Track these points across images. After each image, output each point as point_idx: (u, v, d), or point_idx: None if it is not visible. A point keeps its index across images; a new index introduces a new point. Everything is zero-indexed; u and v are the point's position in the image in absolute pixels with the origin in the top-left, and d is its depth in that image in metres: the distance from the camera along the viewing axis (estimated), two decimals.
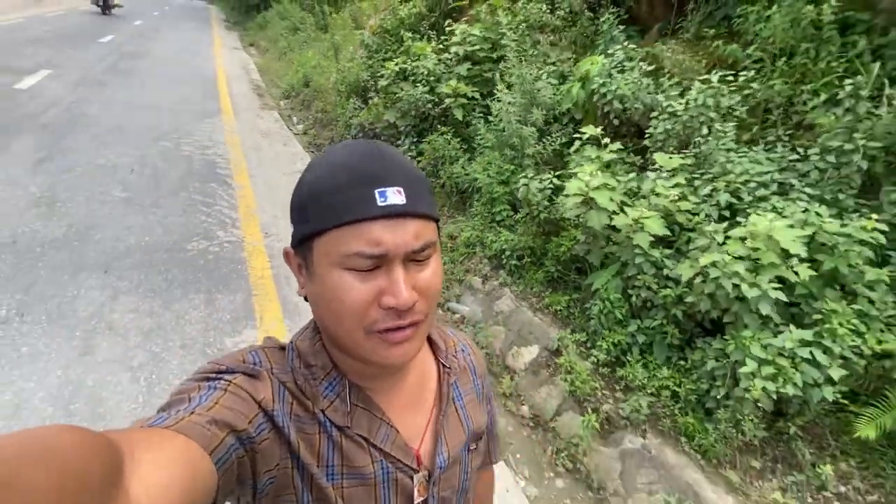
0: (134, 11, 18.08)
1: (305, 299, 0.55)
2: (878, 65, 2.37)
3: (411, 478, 0.56)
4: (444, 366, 0.64)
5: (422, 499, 0.58)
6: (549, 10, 4.31)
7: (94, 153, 4.53)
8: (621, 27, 3.74)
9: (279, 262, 3.26)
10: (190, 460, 0.38)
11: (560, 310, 2.77)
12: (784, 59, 2.79)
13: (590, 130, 2.90)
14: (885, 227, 2.02)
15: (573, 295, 2.86)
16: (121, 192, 3.89)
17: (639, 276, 2.38)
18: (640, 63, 3.28)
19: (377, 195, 0.46)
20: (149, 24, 15.22)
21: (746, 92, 2.73)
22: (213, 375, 0.49)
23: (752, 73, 2.75)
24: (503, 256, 3.20)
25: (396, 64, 4.76)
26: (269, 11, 15.67)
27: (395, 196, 0.47)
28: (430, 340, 0.66)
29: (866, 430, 1.97)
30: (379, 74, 5.23)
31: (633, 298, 2.43)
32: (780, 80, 2.70)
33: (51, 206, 3.49)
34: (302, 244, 0.51)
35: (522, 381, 2.59)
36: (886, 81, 2.31)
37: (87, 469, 0.27)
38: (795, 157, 2.45)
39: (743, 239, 2.14)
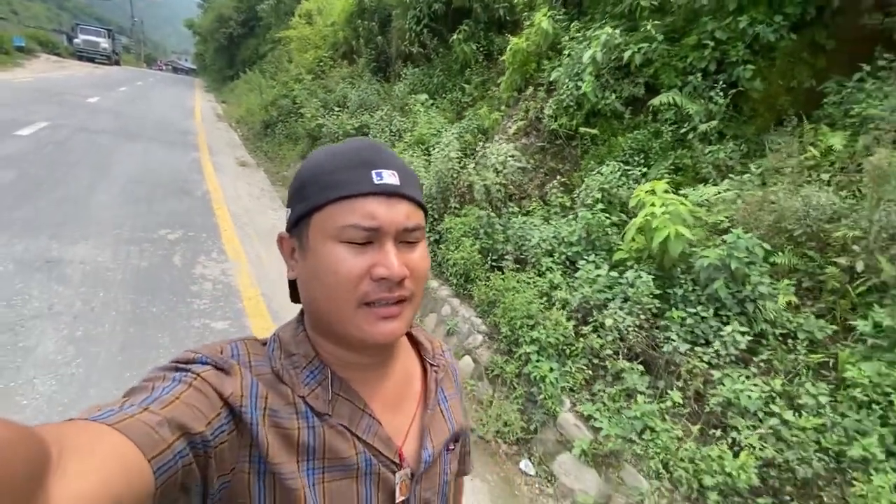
0: (132, 77, 25.52)
1: (292, 288, 0.62)
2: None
3: (393, 473, 0.59)
4: (431, 364, 0.70)
5: (403, 498, 0.60)
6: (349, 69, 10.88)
7: (137, 122, 10.76)
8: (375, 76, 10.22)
9: (212, 149, 9.37)
10: (124, 465, 0.38)
11: None
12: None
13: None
14: None
15: None
16: (150, 130, 10.07)
17: None
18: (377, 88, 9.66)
19: (374, 175, 0.54)
20: (147, 84, 22.43)
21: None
22: (183, 366, 0.51)
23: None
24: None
25: (276, 90, 11.29)
26: (239, 80, 23.06)
27: (390, 177, 0.55)
28: (415, 341, 0.72)
29: None
30: (271, 98, 11.76)
31: None
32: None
33: (125, 127, 9.66)
34: (298, 224, 0.56)
35: None
36: None
37: (11, 469, 0.28)
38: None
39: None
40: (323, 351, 0.59)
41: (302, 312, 0.62)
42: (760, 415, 2.34)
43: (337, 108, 8.44)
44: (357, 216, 0.53)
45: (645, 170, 4.32)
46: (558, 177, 4.94)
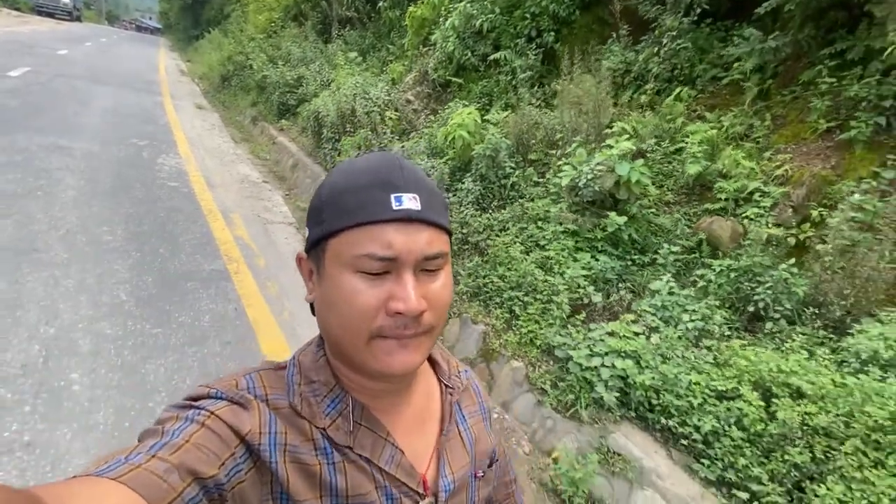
0: (96, 33, 26.51)
1: (312, 309, 0.61)
2: None
3: (416, 503, 0.59)
4: (446, 386, 0.69)
5: None
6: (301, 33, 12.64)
7: (106, 72, 12.27)
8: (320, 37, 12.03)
9: (174, 95, 11.13)
10: None
11: None
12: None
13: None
14: None
15: None
16: (118, 79, 11.70)
17: None
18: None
19: (393, 199, 0.52)
20: (111, 41, 23.51)
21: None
22: (195, 404, 0.51)
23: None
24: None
25: (232, 47, 13.00)
26: (203, 39, 24.34)
27: (410, 202, 0.52)
28: (432, 361, 0.71)
29: None
30: (227, 54, 13.47)
31: None
32: None
33: (96, 75, 11.30)
34: (315, 247, 0.55)
35: None
36: None
37: None
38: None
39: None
40: (343, 377, 0.59)
41: (321, 336, 0.62)
42: (475, 223, 4.45)
43: (281, 63, 10.26)
44: (374, 245, 0.51)
45: (489, 107, 6.37)
46: (434, 115, 6.98)
